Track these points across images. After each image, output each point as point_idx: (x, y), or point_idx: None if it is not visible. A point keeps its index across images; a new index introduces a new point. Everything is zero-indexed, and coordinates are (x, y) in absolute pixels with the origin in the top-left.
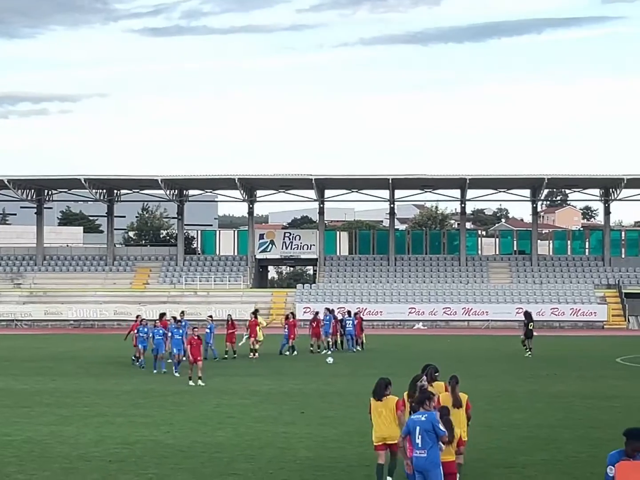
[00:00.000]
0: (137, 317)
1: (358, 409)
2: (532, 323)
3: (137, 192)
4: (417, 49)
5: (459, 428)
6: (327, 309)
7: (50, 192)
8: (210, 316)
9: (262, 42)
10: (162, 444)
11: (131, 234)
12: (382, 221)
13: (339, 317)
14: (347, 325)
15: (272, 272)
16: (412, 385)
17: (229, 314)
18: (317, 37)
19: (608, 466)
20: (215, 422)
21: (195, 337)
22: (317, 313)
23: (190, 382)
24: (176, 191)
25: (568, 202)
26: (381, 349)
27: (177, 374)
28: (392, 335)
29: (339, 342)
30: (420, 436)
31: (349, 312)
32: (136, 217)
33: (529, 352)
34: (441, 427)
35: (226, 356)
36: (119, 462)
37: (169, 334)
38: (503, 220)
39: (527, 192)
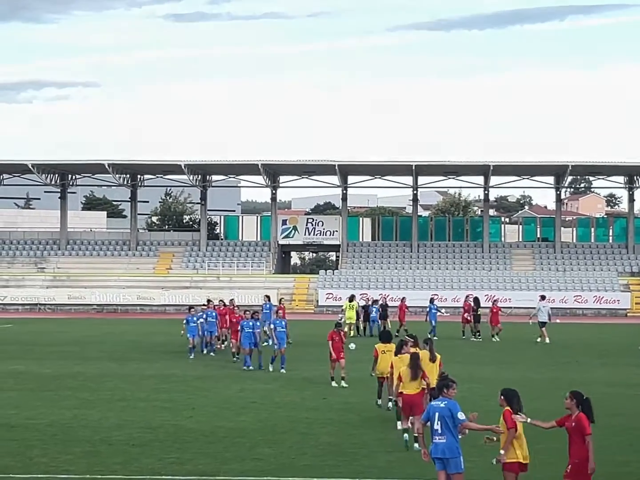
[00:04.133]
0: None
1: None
2: (480, 309)
3: (161, 177)
4: (440, 35)
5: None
6: (267, 299)
7: (74, 177)
8: (267, 296)
9: (286, 28)
10: (184, 429)
11: (154, 219)
12: (405, 208)
13: (362, 303)
14: (372, 313)
15: (294, 258)
16: (398, 347)
17: (361, 296)
18: (341, 24)
19: None
20: (238, 407)
21: (338, 332)
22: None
23: (333, 383)
24: (199, 176)
25: (592, 190)
26: (403, 335)
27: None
28: (414, 322)
29: (362, 328)
30: (439, 422)
31: (375, 301)
32: (159, 202)
33: (480, 337)
34: (460, 416)
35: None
36: (141, 446)
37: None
38: (526, 207)
39: (550, 179)
